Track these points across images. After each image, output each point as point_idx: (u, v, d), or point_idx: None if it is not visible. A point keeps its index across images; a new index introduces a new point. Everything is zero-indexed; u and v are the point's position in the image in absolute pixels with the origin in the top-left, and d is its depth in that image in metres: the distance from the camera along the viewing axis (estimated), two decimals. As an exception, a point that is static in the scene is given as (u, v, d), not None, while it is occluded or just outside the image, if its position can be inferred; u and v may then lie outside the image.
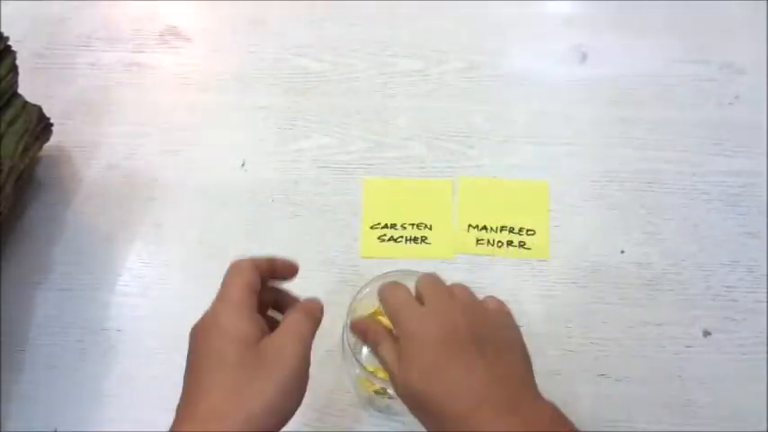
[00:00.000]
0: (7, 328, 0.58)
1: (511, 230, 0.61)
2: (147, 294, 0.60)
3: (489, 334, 0.37)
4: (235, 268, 0.40)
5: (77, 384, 0.56)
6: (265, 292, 0.42)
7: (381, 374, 0.52)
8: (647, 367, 0.55)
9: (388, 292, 0.40)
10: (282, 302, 0.43)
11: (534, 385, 0.36)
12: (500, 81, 0.72)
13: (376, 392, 0.52)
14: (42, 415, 0.55)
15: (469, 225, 0.62)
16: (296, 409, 0.37)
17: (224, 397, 0.34)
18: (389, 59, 0.74)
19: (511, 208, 0.63)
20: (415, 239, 0.61)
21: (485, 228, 0.61)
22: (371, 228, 0.62)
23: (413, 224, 0.62)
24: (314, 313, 0.40)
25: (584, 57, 0.73)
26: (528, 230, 0.61)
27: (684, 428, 0.53)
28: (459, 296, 0.39)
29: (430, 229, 0.62)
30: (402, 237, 0.62)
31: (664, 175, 0.64)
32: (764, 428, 0.52)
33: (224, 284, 0.39)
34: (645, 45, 0.73)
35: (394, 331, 0.39)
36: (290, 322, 0.39)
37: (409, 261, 0.60)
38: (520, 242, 0.61)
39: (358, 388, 0.53)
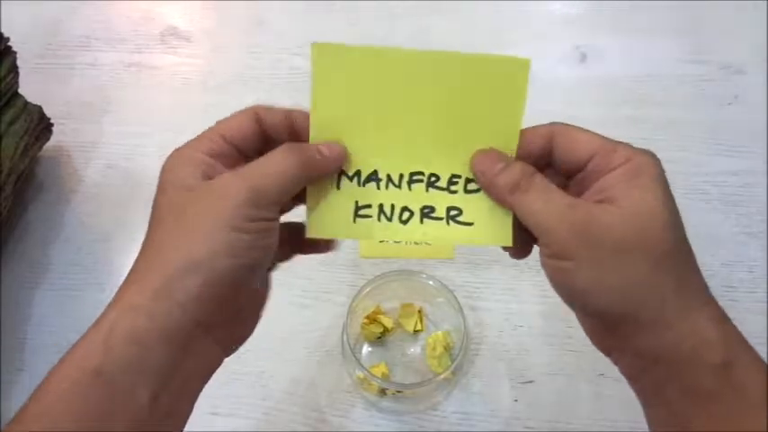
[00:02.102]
0: (7, 328, 0.58)
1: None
2: (147, 294, 0.60)
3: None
4: (233, 114, 0.31)
5: (77, 384, 0.56)
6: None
7: (381, 374, 0.52)
8: (647, 367, 0.55)
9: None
10: None
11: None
12: (500, 81, 0.71)
13: (376, 392, 0.52)
14: (42, 415, 0.55)
15: None
16: (248, 267, 0.28)
17: (144, 255, 0.29)
18: (389, 59, 0.74)
19: None
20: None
21: None
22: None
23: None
24: (304, 153, 0.30)
25: (584, 57, 0.73)
26: None
27: (684, 428, 0.53)
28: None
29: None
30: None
31: (664, 175, 0.64)
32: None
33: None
34: (645, 45, 0.73)
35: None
36: (260, 160, 0.29)
37: (409, 261, 0.60)
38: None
39: (358, 388, 0.53)
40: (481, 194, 0.32)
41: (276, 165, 0.29)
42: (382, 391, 0.52)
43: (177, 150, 0.31)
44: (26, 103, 0.62)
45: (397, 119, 0.31)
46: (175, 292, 0.27)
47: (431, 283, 0.55)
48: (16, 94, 0.62)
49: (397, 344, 0.55)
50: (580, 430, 0.51)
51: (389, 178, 0.32)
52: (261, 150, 0.31)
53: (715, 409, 0.26)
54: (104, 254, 0.62)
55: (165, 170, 0.30)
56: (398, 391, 0.52)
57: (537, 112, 0.73)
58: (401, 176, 0.32)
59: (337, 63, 0.30)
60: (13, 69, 0.61)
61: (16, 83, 0.62)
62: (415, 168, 0.32)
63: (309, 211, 0.33)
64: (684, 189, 0.63)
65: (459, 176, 0.32)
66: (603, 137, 0.30)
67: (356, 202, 0.33)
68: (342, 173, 0.32)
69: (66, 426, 0.26)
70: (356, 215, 0.33)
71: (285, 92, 0.72)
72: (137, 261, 0.30)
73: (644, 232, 0.26)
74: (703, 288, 0.28)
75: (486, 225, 0.32)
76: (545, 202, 0.28)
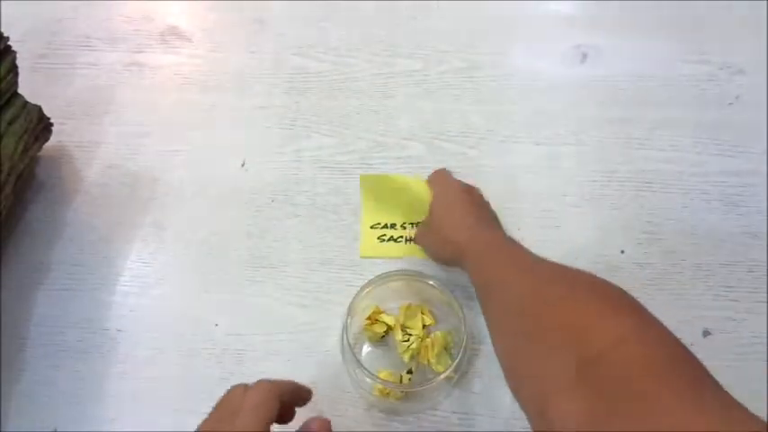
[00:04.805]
0: (7, 328, 0.58)
1: None
2: (147, 294, 0.60)
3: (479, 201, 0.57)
4: (259, 396, 0.39)
5: (77, 384, 0.56)
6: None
7: (382, 375, 0.52)
8: (647, 367, 0.55)
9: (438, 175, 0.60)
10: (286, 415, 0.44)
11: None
12: (500, 81, 0.72)
13: (376, 392, 0.52)
14: (42, 415, 0.55)
15: None
16: None
17: None
18: (389, 59, 0.74)
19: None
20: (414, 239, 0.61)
21: None
22: (372, 228, 0.62)
23: (413, 224, 0.61)
24: None
25: (584, 57, 0.73)
26: None
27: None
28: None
29: None
30: (402, 237, 0.61)
31: (664, 175, 0.64)
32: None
33: (246, 409, 0.38)
34: (645, 45, 0.73)
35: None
36: None
37: (409, 261, 0.60)
38: None
39: (358, 388, 0.53)
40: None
41: None
42: (382, 391, 0.52)
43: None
44: (26, 103, 0.62)
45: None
46: None
47: (431, 282, 0.55)
48: (16, 94, 0.62)
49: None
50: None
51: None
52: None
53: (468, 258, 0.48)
54: (105, 254, 0.62)
55: None
56: (398, 391, 0.52)
57: (537, 111, 0.73)
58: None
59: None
60: (13, 69, 0.61)
61: (16, 82, 0.62)
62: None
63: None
64: (684, 189, 0.63)
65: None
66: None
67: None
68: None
69: None
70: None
71: (285, 92, 0.72)
72: None
73: (432, 210, 0.56)
74: (475, 225, 0.51)
75: None
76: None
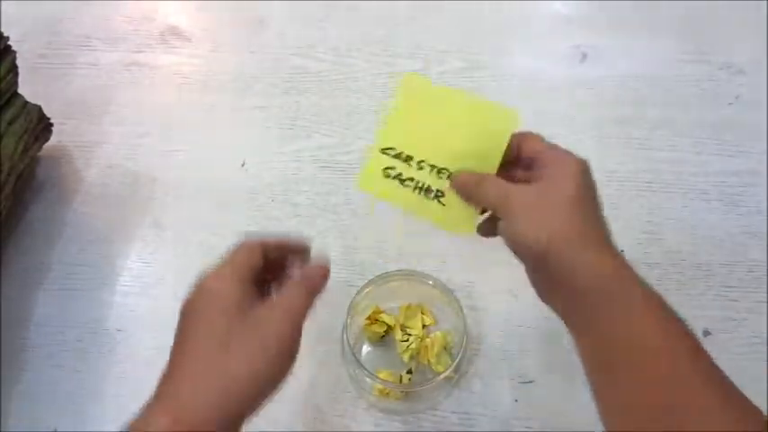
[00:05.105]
0: (7, 328, 0.58)
1: None
2: (147, 294, 0.60)
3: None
4: (240, 246, 0.39)
5: (77, 384, 0.56)
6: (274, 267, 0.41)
7: (382, 375, 0.52)
8: (647, 367, 0.55)
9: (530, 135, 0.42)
10: (288, 273, 0.42)
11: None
12: (500, 81, 0.72)
13: (376, 392, 0.52)
14: (42, 415, 0.55)
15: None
16: (282, 380, 0.36)
17: (207, 359, 0.34)
18: (389, 59, 0.74)
19: None
20: (427, 190, 0.44)
21: None
22: (383, 151, 0.44)
23: (433, 167, 0.44)
24: (313, 286, 0.39)
25: (584, 57, 0.73)
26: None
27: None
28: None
29: None
30: (412, 180, 0.44)
31: (664, 175, 0.64)
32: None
33: (224, 259, 0.38)
34: (645, 45, 0.73)
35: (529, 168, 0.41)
36: (285, 296, 0.38)
37: (409, 263, 0.59)
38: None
39: (358, 388, 0.53)
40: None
41: (301, 301, 0.38)
42: (382, 391, 0.52)
43: (211, 278, 0.37)
44: (26, 103, 0.62)
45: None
46: (241, 408, 0.34)
47: (430, 282, 0.55)
48: (16, 94, 0.62)
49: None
50: (580, 430, 0.51)
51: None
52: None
53: (603, 312, 0.36)
54: (105, 254, 0.62)
55: (203, 294, 0.37)
56: (398, 391, 0.52)
57: (538, 111, 0.73)
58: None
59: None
60: (13, 69, 0.61)
61: (16, 82, 0.62)
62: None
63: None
64: (684, 189, 0.63)
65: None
66: (547, 142, 0.42)
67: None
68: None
69: None
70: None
71: (285, 92, 0.72)
72: (194, 360, 0.35)
73: (557, 201, 0.38)
74: (601, 238, 0.38)
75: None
76: (495, 188, 0.40)
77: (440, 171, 0.44)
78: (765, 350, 0.55)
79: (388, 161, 0.44)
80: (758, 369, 0.54)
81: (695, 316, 0.57)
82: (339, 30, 0.77)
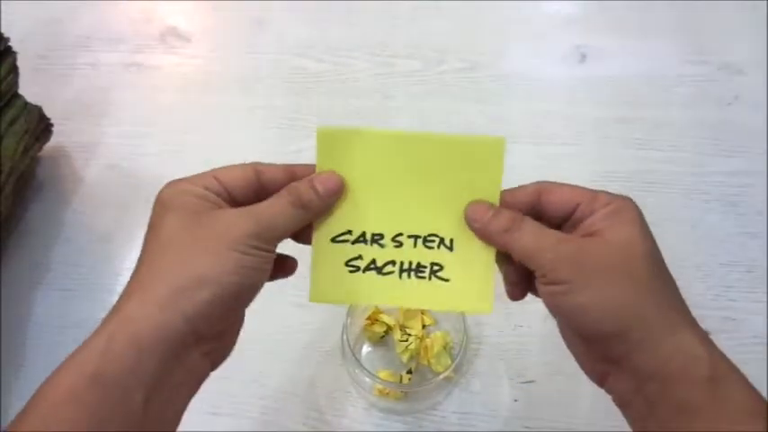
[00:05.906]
0: (7, 328, 0.58)
1: None
2: (147, 294, 0.60)
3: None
4: (227, 166, 0.35)
5: (77, 384, 0.56)
6: None
7: (382, 375, 0.52)
8: (646, 367, 0.55)
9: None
10: None
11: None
12: (500, 81, 0.72)
13: (376, 392, 0.52)
14: (42, 415, 0.55)
15: None
16: (248, 287, 0.31)
17: (147, 269, 0.31)
18: (389, 59, 0.74)
19: None
20: (418, 270, 0.34)
21: None
22: (335, 240, 0.34)
23: (416, 237, 0.33)
24: (298, 195, 0.33)
25: (584, 57, 0.73)
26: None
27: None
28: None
29: (449, 247, 0.34)
30: (393, 263, 0.34)
31: (664, 175, 0.64)
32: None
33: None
34: (644, 45, 0.73)
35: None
36: (266, 202, 0.33)
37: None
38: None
39: (358, 388, 0.53)
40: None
41: (280, 208, 0.33)
42: (382, 391, 0.52)
43: (176, 180, 0.34)
44: (26, 104, 0.62)
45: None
46: (183, 304, 0.29)
47: (431, 283, 0.55)
48: (16, 95, 0.62)
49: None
50: (580, 430, 0.51)
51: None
52: (256, 201, 0.34)
53: (701, 423, 0.28)
54: (104, 254, 0.62)
55: (169, 193, 0.33)
56: (398, 391, 0.52)
57: (538, 111, 0.73)
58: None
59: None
60: (13, 70, 0.61)
61: (16, 83, 0.62)
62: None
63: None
64: (684, 189, 0.63)
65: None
66: (585, 188, 0.33)
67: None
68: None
69: (62, 430, 0.27)
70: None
71: (285, 92, 0.72)
72: (137, 274, 0.32)
73: (628, 259, 0.30)
74: (686, 311, 0.31)
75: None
76: (537, 236, 0.31)
77: (426, 240, 0.33)
78: (765, 350, 0.55)
79: (348, 251, 0.33)
80: (758, 369, 0.54)
81: (695, 316, 0.57)
82: (339, 30, 0.77)
